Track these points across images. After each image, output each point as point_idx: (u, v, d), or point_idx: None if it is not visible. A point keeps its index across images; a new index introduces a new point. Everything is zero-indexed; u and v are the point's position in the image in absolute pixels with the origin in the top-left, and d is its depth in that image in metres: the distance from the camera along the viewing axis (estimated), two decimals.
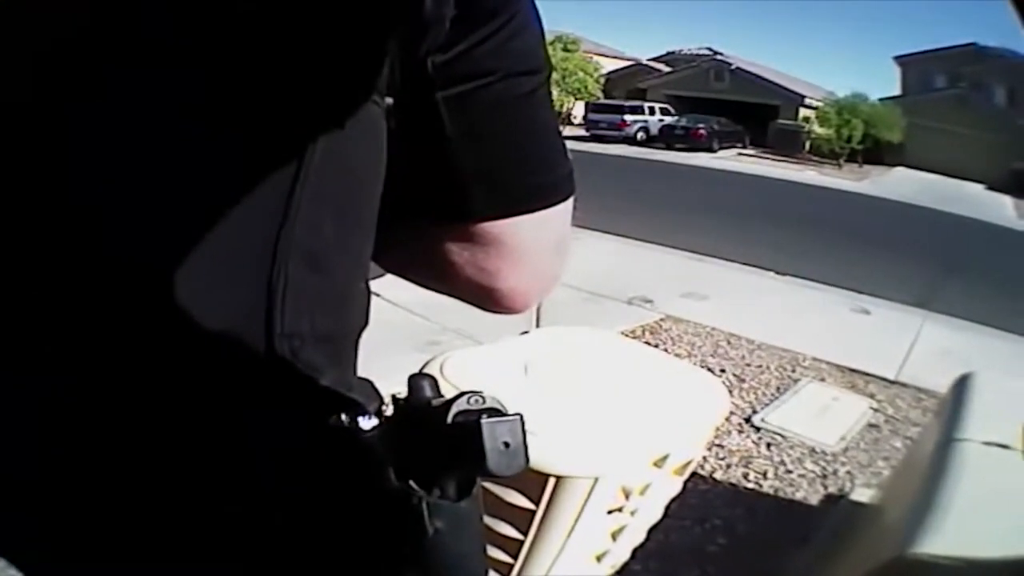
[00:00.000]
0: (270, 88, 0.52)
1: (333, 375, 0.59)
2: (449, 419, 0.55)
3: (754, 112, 37.71)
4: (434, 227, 0.66)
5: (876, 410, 4.73)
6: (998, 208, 25.20)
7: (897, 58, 44.89)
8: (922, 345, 6.21)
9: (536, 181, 0.67)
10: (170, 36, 0.50)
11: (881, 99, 36.28)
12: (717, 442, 3.90)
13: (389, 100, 0.59)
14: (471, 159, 0.63)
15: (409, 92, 0.58)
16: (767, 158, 32.43)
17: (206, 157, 0.51)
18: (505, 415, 0.55)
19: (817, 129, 33.80)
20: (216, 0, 0.51)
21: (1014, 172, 32.01)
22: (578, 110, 40.79)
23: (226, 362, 0.54)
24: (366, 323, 0.65)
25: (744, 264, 8.60)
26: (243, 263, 0.53)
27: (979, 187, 31.04)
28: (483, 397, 0.57)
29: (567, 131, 37.18)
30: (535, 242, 0.68)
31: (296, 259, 0.54)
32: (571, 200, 0.69)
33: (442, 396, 0.60)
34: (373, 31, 0.54)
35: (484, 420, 0.53)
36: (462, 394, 0.57)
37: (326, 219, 0.56)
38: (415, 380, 0.62)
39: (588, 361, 2.48)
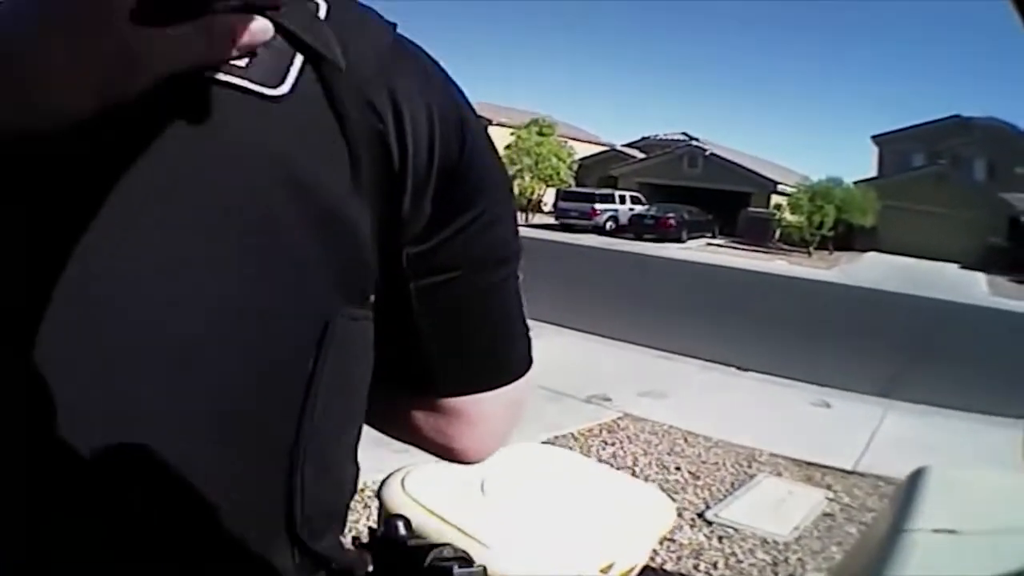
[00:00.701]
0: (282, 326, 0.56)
1: (334, 542, 0.64)
2: (426, 563, 0.68)
3: (726, 199, 38.20)
4: (402, 396, 0.71)
5: (832, 500, 4.80)
6: (970, 287, 25.64)
7: (874, 137, 45.70)
8: (882, 434, 6.34)
9: (498, 362, 0.72)
10: None
11: (856, 182, 36.50)
12: (669, 536, 3.90)
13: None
14: (438, 343, 0.68)
15: (383, 279, 0.61)
16: (736, 247, 32.73)
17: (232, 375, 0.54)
18: (472, 565, 0.69)
19: (788, 216, 33.87)
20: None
21: (988, 247, 32.47)
22: (549, 196, 40.89)
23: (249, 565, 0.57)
24: (355, 491, 0.69)
25: (706, 361, 8.68)
26: (264, 477, 0.57)
27: (953, 266, 31.33)
28: (454, 549, 0.71)
29: (536, 218, 37.29)
30: (493, 412, 0.73)
31: (309, 465, 0.58)
32: (529, 372, 0.75)
33: (415, 535, 0.76)
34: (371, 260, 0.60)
35: (456, 569, 0.67)
36: (435, 545, 0.72)
37: (332, 426, 0.60)
38: (391, 521, 0.75)
39: (541, 477, 2.71)
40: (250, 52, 0.52)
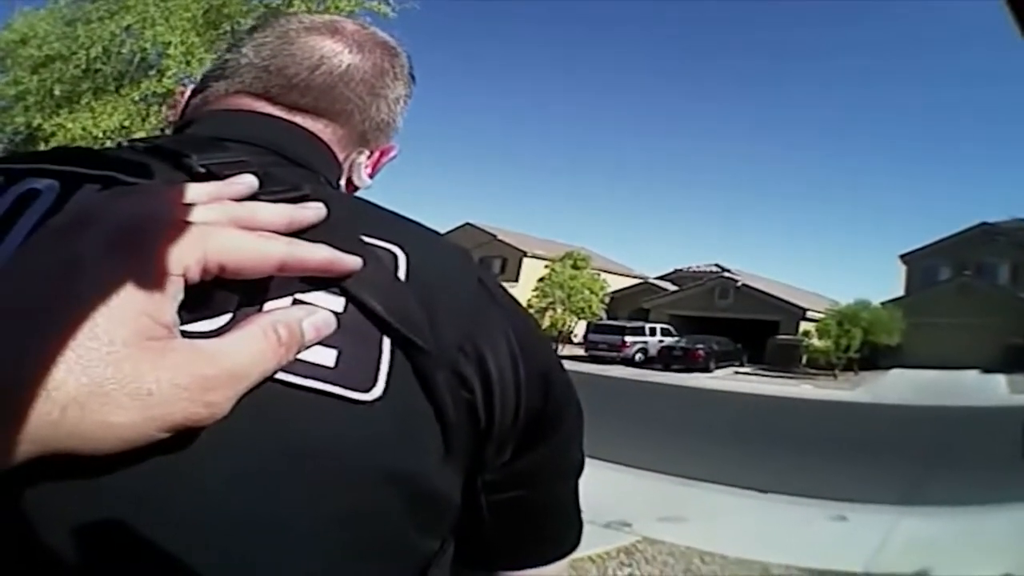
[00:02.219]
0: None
1: None
2: None
3: (756, 328, 38.32)
4: (460, 566, 0.68)
5: None
6: (991, 390, 25.61)
7: (902, 256, 45.51)
8: (895, 539, 6.52)
9: (554, 546, 0.76)
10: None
11: (884, 302, 36.60)
12: None
13: None
14: (501, 535, 0.70)
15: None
16: (763, 374, 32.68)
17: None
18: None
19: (816, 343, 33.85)
20: None
21: (1009, 348, 32.12)
22: (579, 328, 40.84)
23: None
24: None
25: (727, 485, 8.81)
26: None
27: (974, 373, 31.07)
28: None
29: (566, 349, 36.98)
30: None
31: None
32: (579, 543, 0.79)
33: None
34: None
35: None
36: None
37: None
38: None
39: None
40: (332, 344, 0.52)
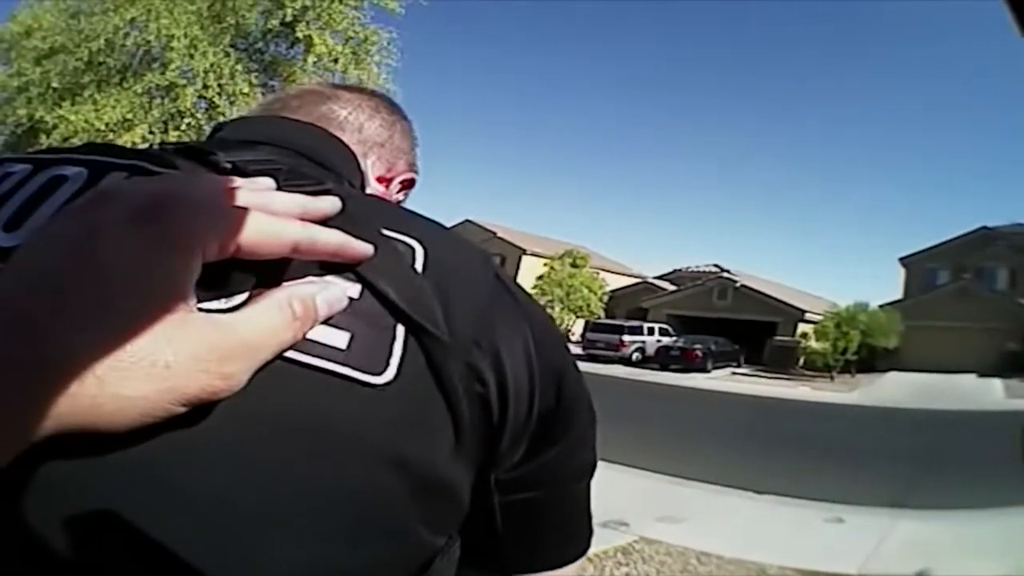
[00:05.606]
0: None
1: None
2: None
3: (754, 329, 38.53)
4: (470, 570, 0.68)
5: None
6: (987, 394, 25.76)
7: (902, 259, 45.89)
8: (891, 540, 6.59)
9: (566, 549, 0.76)
10: None
11: (882, 305, 36.79)
12: None
13: None
14: (513, 537, 0.69)
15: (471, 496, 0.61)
16: (760, 375, 32.74)
17: None
18: None
19: (813, 344, 33.97)
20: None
21: (1005, 353, 32.44)
22: (578, 327, 40.67)
23: None
24: None
25: (725, 486, 8.86)
26: None
27: (971, 377, 31.23)
28: None
29: None
30: None
31: None
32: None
33: None
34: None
35: None
36: None
37: None
38: None
39: None
40: (346, 327, 0.52)
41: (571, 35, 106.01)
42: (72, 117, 14.90)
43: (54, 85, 15.67)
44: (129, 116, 15.47)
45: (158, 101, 16.15)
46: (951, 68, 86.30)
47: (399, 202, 0.98)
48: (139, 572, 0.45)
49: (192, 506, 0.46)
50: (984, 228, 42.56)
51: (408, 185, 0.98)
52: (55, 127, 15.16)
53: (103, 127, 14.79)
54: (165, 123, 16.06)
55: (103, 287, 0.44)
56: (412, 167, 0.99)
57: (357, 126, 0.89)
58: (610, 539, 6.38)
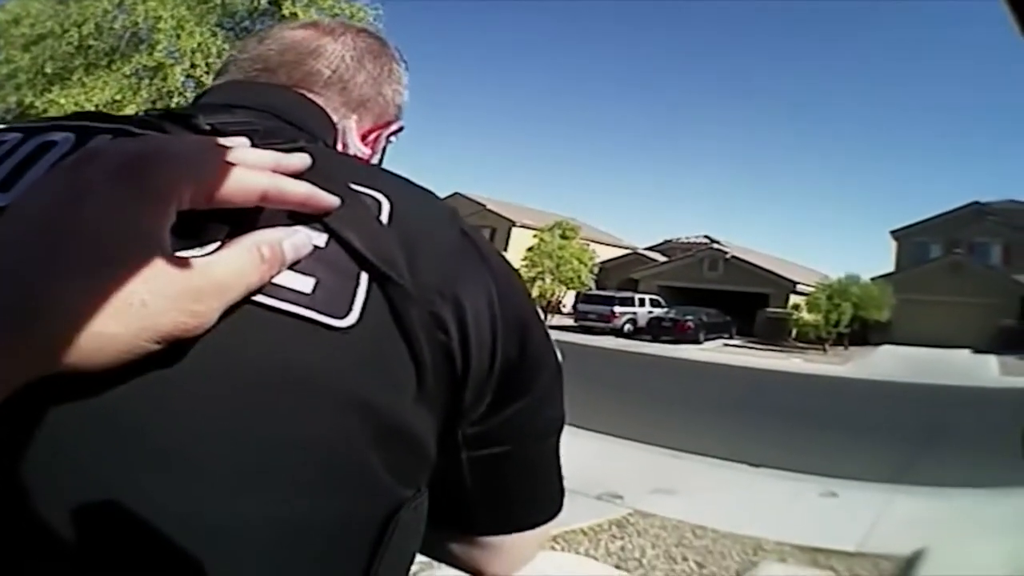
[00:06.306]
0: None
1: None
2: None
3: (746, 301, 38.69)
4: (441, 530, 0.70)
5: None
6: (981, 370, 25.73)
7: (893, 232, 45.96)
8: (887, 517, 6.55)
9: (536, 509, 0.78)
10: None
11: (874, 278, 36.81)
12: None
13: None
14: (482, 496, 0.71)
15: (437, 451, 0.61)
16: (752, 347, 32.92)
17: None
18: None
19: (805, 316, 34.06)
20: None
21: (1001, 329, 32.64)
22: (569, 298, 41.05)
23: None
24: None
25: (719, 459, 8.86)
26: None
27: (965, 352, 31.36)
28: None
29: (555, 319, 37.39)
30: (524, 543, 0.79)
31: None
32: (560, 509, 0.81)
33: None
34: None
35: None
36: None
37: None
38: None
39: None
40: (311, 273, 0.54)
41: (562, 7, 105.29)
42: (62, 101, 15.42)
43: (46, 70, 16.24)
44: (118, 97, 16.06)
45: (146, 82, 16.77)
46: (946, 48, 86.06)
47: (385, 148, 0.99)
48: (110, 527, 0.47)
49: (155, 456, 0.48)
50: (976, 203, 42.76)
51: (394, 132, 0.99)
52: (45, 111, 15.53)
53: (92, 109, 14.98)
54: (154, 103, 16.55)
55: (87, 235, 0.46)
56: (399, 115, 0.99)
57: (341, 85, 0.89)
58: (604, 512, 6.33)
